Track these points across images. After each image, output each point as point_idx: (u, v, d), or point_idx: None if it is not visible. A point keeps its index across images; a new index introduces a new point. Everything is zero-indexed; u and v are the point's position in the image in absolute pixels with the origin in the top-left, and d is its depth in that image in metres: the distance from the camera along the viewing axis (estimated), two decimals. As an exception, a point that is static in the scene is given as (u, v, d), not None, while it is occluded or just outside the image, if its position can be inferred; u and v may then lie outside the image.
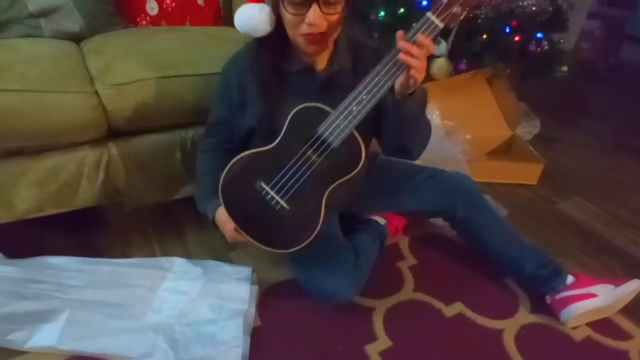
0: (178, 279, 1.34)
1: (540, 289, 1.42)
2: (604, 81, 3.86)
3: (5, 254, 1.33)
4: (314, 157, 1.09)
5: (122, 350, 1.13)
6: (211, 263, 1.43)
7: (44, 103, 1.26)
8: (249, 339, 1.22)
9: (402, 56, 0.95)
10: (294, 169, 1.10)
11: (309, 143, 1.08)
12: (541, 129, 2.64)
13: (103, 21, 1.66)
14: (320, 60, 1.20)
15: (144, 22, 1.82)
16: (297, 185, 1.11)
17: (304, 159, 1.09)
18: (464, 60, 2.17)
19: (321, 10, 1.03)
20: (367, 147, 1.12)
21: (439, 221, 1.67)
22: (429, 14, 0.95)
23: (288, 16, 1.06)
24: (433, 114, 2.05)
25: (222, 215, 1.21)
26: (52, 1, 1.57)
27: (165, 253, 1.54)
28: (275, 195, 1.12)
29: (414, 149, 1.25)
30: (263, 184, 1.12)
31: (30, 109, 1.24)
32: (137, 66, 1.40)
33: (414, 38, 0.95)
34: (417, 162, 1.80)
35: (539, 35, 2.23)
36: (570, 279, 1.38)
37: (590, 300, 1.33)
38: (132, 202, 1.48)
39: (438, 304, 1.43)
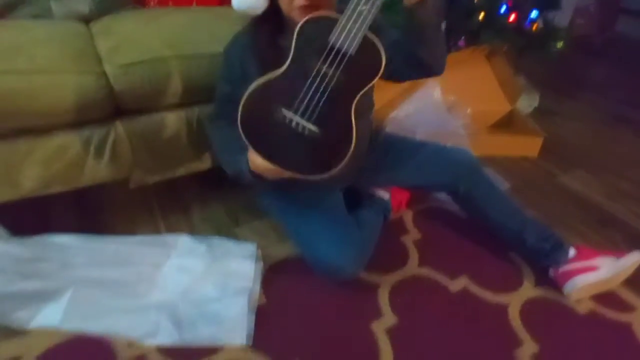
0: (182, 257, 1.21)
1: (543, 262, 1.29)
2: (601, 55, 3.61)
3: (11, 231, 1.21)
4: (331, 71, 0.90)
5: (126, 329, 1.02)
6: (216, 240, 1.30)
7: (53, 84, 1.14)
8: (253, 317, 1.10)
9: None
10: (313, 87, 0.92)
11: (323, 56, 0.90)
12: (540, 102, 2.44)
13: (112, 3, 1.52)
14: None
15: (152, 4, 1.69)
16: (320, 104, 0.93)
17: (322, 74, 0.91)
18: (463, 38, 2.07)
19: None
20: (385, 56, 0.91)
21: (442, 195, 1.53)
22: None
23: None
24: (434, 90, 1.90)
25: (256, 160, 1.03)
26: (62, -18, 1.43)
27: (170, 229, 1.41)
28: (300, 120, 0.94)
29: (434, 62, 1.05)
30: (285, 112, 0.95)
31: (39, 89, 1.12)
32: (144, 47, 1.27)
33: None
34: (419, 137, 1.72)
35: (533, 13, 2.11)
36: (572, 251, 1.25)
37: (593, 273, 1.22)
38: (138, 179, 1.35)
39: (443, 279, 1.30)
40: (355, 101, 0.93)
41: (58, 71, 1.15)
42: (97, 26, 1.40)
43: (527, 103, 2.36)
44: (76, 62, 1.19)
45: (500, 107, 2.07)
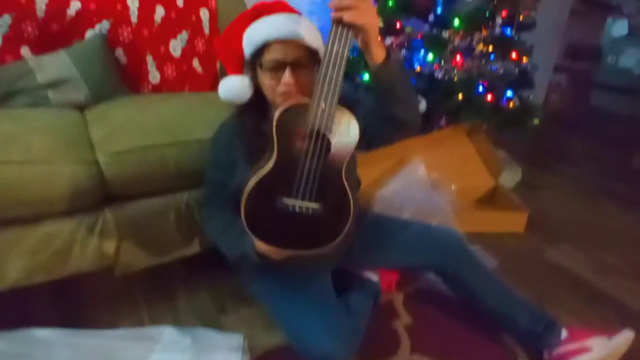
0: (167, 350, 1.19)
1: (537, 344, 1.30)
2: (577, 128, 3.82)
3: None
4: (317, 149, 0.96)
5: None
6: (201, 332, 1.28)
7: (46, 173, 1.19)
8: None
9: (335, 14, 0.88)
10: (306, 170, 0.97)
11: (307, 141, 0.95)
12: (523, 176, 2.56)
13: (107, 91, 1.60)
14: None
15: (146, 90, 1.78)
16: (316, 182, 0.98)
17: (309, 156, 0.96)
18: (443, 117, 2.23)
19: (293, 72, 1.06)
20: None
21: (432, 275, 1.54)
22: None
23: (266, 81, 1.10)
24: (418, 168, 1.98)
25: (262, 244, 1.06)
26: (61, 73, 1.53)
27: (155, 320, 1.39)
28: (302, 203, 0.99)
29: (410, 117, 1.09)
30: (286, 200, 0.99)
31: (31, 179, 1.17)
32: (137, 134, 1.33)
33: None
34: (405, 216, 1.77)
35: (509, 93, 2.27)
36: (564, 332, 1.27)
37: (587, 355, 1.22)
38: (123, 267, 1.36)
39: (436, 367, 1.28)
40: (343, 169, 0.99)
41: (52, 161, 1.20)
42: (91, 113, 1.47)
43: (510, 177, 2.47)
44: (70, 152, 1.24)
45: (484, 182, 2.17)
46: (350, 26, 0.89)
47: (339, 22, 0.88)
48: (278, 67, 1.07)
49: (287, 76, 1.06)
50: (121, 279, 1.41)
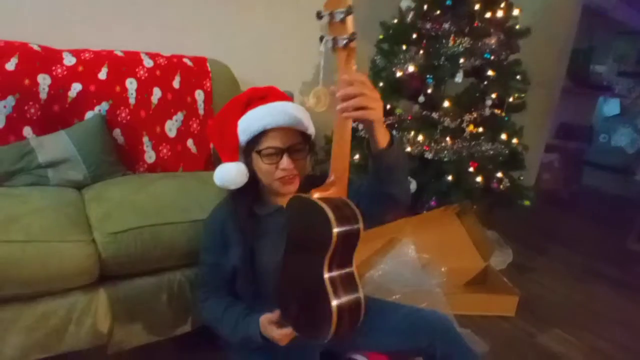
0: None
1: None
2: (569, 208, 4.03)
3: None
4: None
5: None
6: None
7: (45, 253, 1.32)
8: None
9: (339, 107, 0.96)
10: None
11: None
12: (514, 258, 2.72)
13: (105, 170, 1.80)
14: (286, 199, 1.26)
15: (141, 169, 1.96)
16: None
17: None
18: (434, 198, 2.34)
19: (290, 157, 1.20)
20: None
21: (421, 359, 1.65)
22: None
23: (264, 166, 1.22)
24: (408, 248, 2.13)
25: (265, 326, 1.19)
26: (61, 153, 1.72)
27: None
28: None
29: (404, 195, 1.19)
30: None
31: (30, 258, 1.30)
32: (133, 214, 1.49)
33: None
34: (396, 297, 1.89)
35: (499, 174, 2.41)
36: None
37: None
38: (115, 345, 1.48)
39: None
40: (325, 268, 1.03)
41: (51, 240, 1.35)
42: (89, 193, 1.65)
43: (501, 259, 2.64)
44: (68, 231, 1.39)
45: (474, 264, 2.30)
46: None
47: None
48: (275, 154, 1.21)
49: (285, 162, 1.20)
50: (113, 358, 1.52)
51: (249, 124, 1.23)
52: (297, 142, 1.23)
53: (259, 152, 1.22)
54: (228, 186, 1.29)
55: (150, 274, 1.52)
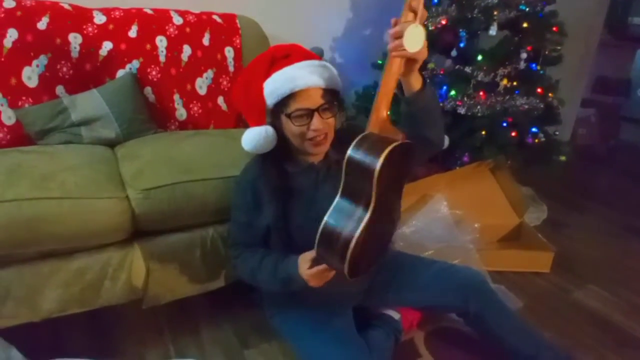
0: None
1: (561, 389, 1.32)
2: (606, 163, 3.82)
3: (24, 353, 1.29)
4: None
5: None
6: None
7: (80, 209, 1.29)
8: None
9: (391, 44, 0.97)
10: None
11: None
12: (549, 214, 2.59)
13: (137, 128, 1.74)
14: (317, 156, 1.27)
15: (172, 127, 1.90)
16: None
17: None
18: (467, 154, 2.23)
19: (321, 117, 1.16)
20: None
21: (455, 315, 1.59)
22: None
23: (294, 128, 1.17)
24: (441, 205, 2.04)
25: (301, 266, 1.15)
26: (93, 111, 1.67)
27: (180, 352, 1.49)
28: None
29: (439, 138, 1.21)
30: None
31: (67, 215, 1.27)
32: (166, 171, 1.45)
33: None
34: (428, 253, 1.83)
35: (534, 129, 2.29)
36: None
37: None
38: (150, 300, 1.46)
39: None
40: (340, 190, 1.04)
41: (86, 197, 1.31)
42: (122, 151, 1.61)
43: (536, 215, 2.50)
44: (102, 188, 1.36)
45: (508, 220, 2.20)
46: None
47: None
48: (305, 115, 1.16)
49: (316, 122, 1.15)
50: (148, 312, 1.51)
51: (275, 86, 1.17)
52: (325, 100, 1.17)
53: (288, 115, 1.16)
54: (257, 151, 1.24)
55: (183, 230, 1.47)
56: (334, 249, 1.00)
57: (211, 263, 1.50)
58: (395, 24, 0.98)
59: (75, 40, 1.74)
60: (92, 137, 1.66)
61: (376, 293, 1.42)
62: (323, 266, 1.09)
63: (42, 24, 1.70)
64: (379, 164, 0.93)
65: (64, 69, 1.72)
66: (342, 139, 1.24)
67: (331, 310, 1.34)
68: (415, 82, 1.05)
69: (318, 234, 1.02)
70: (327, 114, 1.18)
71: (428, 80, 1.07)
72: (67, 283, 1.32)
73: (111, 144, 1.68)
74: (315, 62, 1.20)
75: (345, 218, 1.01)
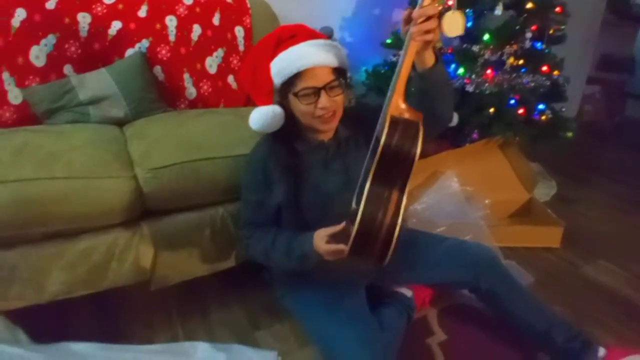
0: (201, 367, 1.16)
1: (574, 362, 1.22)
2: (612, 139, 3.65)
3: (30, 335, 1.19)
4: (371, 153, 0.98)
5: None
6: (235, 347, 1.23)
7: (86, 189, 1.18)
8: None
9: (414, 28, 0.89)
10: (364, 170, 1.01)
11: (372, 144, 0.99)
12: (558, 190, 2.44)
13: (146, 107, 1.61)
14: (327, 134, 1.20)
15: (182, 106, 1.78)
16: (360, 183, 1.00)
17: (367, 163, 1.00)
18: (476, 131, 2.15)
19: (328, 95, 1.09)
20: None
21: (467, 291, 1.48)
22: None
23: (302, 107, 1.10)
24: (452, 181, 1.91)
25: (319, 242, 1.06)
26: (102, 90, 1.54)
27: (189, 335, 1.37)
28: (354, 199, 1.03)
29: (449, 113, 1.15)
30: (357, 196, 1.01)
31: (73, 195, 1.17)
32: (175, 150, 1.32)
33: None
34: (440, 230, 1.71)
35: (541, 106, 2.21)
36: (602, 351, 1.21)
37: None
38: (158, 281, 1.34)
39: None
40: (370, 178, 0.94)
41: (92, 177, 1.20)
42: (130, 130, 1.47)
43: (545, 191, 2.37)
44: (110, 167, 1.24)
45: (518, 196, 2.07)
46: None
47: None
48: (312, 93, 1.08)
49: (323, 100, 1.08)
50: (156, 293, 1.39)
51: (282, 66, 1.10)
52: (332, 78, 1.10)
53: (295, 94, 1.10)
54: (265, 130, 1.16)
55: (192, 210, 1.34)
56: (376, 237, 0.91)
57: (221, 242, 1.38)
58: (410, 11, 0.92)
59: (84, 19, 1.60)
60: (101, 116, 1.52)
61: (388, 271, 1.28)
62: (341, 245, 1.00)
63: (51, 4, 1.56)
64: (417, 148, 0.90)
65: (72, 49, 1.59)
66: (351, 117, 1.19)
67: (343, 289, 1.24)
68: (429, 58, 0.99)
69: (356, 226, 0.91)
70: (334, 92, 1.10)
71: (440, 56, 1.00)
72: (73, 264, 1.20)
73: (120, 123, 1.54)
74: (321, 41, 1.12)
75: (383, 205, 0.92)
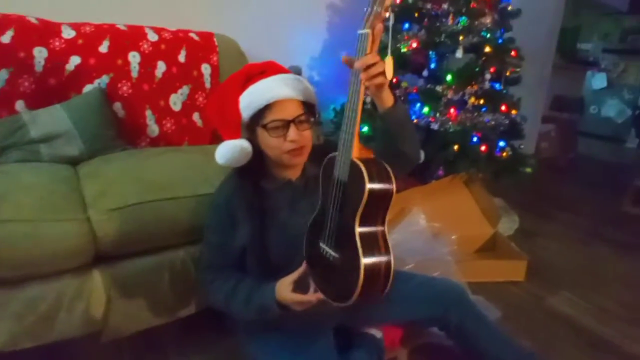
0: None
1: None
2: (568, 174, 3.82)
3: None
4: (337, 199, 0.97)
5: None
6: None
7: (35, 232, 1.08)
8: None
9: (363, 75, 0.90)
10: (329, 217, 0.99)
11: (332, 189, 0.98)
12: (520, 224, 2.49)
13: (103, 145, 1.53)
14: (294, 172, 1.18)
15: (144, 144, 1.70)
16: (335, 230, 0.98)
17: (332, 204, 0.98)
18: (441, 167, 2.20)
19: (297, 129, 1.07)
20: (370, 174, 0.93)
21: (436, 329, 1.42)
22: (359, 31, 0.92)
23: (271, 140, 1.07)
24: (419, 218, 1.89)
25: (283, 291, 1.04)
26: (55, 127, 1.45)
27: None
28: (326, 248, 1.00)
29: (415, 152, 1.12)
30: (320, 243, 1.02)
31: (20, 238, 1.06)
32: (133, 190, 1.24)
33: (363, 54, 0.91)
34: (408, 267, 1.66)
35: (501, 143, 2.30)
36: None
37: None
38: (111, 332, 1.22)
39: None
40: (356, 224, 0.94)
41: (41, 220, 1.10)
42: (85, 169, 1.38)
43: (508, 225, 2.40)
44: (60, 210, 1.14)
45: (483, 231, 2.07)
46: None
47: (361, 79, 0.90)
48: (282, 126, 1.06)
49: (292, 134, 1.06)
50: (109, 345, 1.27)
51: (251, 99, 1.07)
52: (301, 112, 1.09)
53: (264, 126, 1.06)
54: (232, 165, 1.11)
55: (150, 253, 1.25)
56: (378, 282, 0.94)
57: (181, 288, 1.28)
58: (348, 60, 0.94)
59: (40, 54, 1.53)
60: (53, 155, 1.42)
61: (357, 311, 1.23)
62: (312, 295, 1.00)
63: (6, 38, 1.49)
64: (393, 183, 0.93)
65: (26, 84, 1.50)
66: (319, 155, 1.14)
67: (311, 333, 1.16)
68: (388, 99, 1.00)
69: (360, 281, 0.90)
70: (303, 126, 1.08)
71: (399, 96, 0.99)
72: (18, 314, 1.08)
73: (74, 162, 1.44)
74: (291, 75, 1.11)
75: (376, 247, 0.94)
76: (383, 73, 0.92)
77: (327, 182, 1.00)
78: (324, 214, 1.00)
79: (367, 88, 0.93)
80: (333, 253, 0.98)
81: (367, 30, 0.90)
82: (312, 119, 1.11)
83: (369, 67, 0.90)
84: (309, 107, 1.11)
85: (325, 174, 1.01)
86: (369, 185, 0.90)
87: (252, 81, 1.09)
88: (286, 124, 1.05)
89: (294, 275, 1.03)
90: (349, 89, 0.92)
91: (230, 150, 1.08)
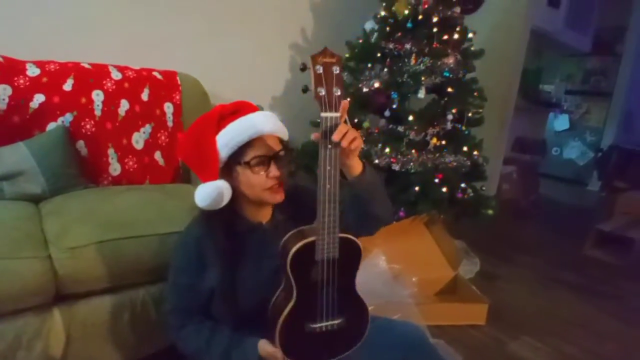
0: None
1: None
2: (529, 217, 4.02)
3: None
4: (330, 275, 1.07)
5: None
6: None
7: (-7, 271, 1.14)
8: None
9: (344, 141, 0.99)
10: (325, 295, 1.08)
11: (320, 272, 1.06)
12: (481, 267, 2.64)
13: (65, 183, 1.62)
14: (264, 215, 1.23)
15: (105, 182, 1.79)
16: (336, 302, 1.10)
17: (325, 283, 1.07)
18: (402, 209, 2.27)
19: (276, 164, 1.13)
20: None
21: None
22: (322, 113, 0.98)
23: (253, 177, 1.12)
24: (379, 259, 2.02)
25: (267, 347, 1.11)
26: (18, 165, 1.54)
27: None
28: (327, 323, 1.11)
29: (386, 213, 1.21)
30: (313, 326, 1.10)
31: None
32: (94, 228, 1.33)
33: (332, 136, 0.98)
34: (369, 310, 1.76)
35: (463, 185, 2.37)
36: None
37: None
38: (71, 373, 1.30)
39: None
40: (354, 279, 1.15)
41: (1, 257, 1.17)
42: (47, 207, 1.47)
43: (469, 268, 2.55)
44: (20, 247, 1.22)
45: (444, 273, 2.21)
46: (338, 151, 1.00)
47: (332, 146, 0.98)
48: (264, 162, 1.12)
49: (274, 169, 1.12)
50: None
51: (231, 136, 1.11)
52: (279, 149, 1.16)
53: (247, 163, 1.11)
54: (215, 206, 1.12)
55: (111, 292, 1.34)
56: (365, 328, 1.20)
57: (141, 328, 1.37)
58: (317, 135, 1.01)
59: (3, 91, 1.63)
60: (15, 193, 1.51)
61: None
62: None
63: (-31, 75, 1.58)
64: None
65: (-12, 121, 1.59)
66: (287, 198, 1.21)
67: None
68: (357, 165, 1.09)
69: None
70: (280, 162, 1.15)
71: (366, 162, 1.13)
72: (-28, 355, 1.15)
73: (36, 200, 1.53)
74: (267, 112, 1.18)
75: (357, 307, 1.18)
76: (359, 137, 1.01)
77: (305, 268, 1.06)
78: (308, 299, 1.07)
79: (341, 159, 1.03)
80: (336, 321, 1.11)
81: (337, 114, 0.99)
82: (288, 156, 1.18)
83: (344, 135, 0.98)
84: (284, 144, 1.18)
85: (298, 261, 1.04)
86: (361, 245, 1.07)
87: (226, 121, 1.13)
88: (268, 160, 1.12)
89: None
90: (319, 176, 0.99)
91: (213, 193, 1.10)
